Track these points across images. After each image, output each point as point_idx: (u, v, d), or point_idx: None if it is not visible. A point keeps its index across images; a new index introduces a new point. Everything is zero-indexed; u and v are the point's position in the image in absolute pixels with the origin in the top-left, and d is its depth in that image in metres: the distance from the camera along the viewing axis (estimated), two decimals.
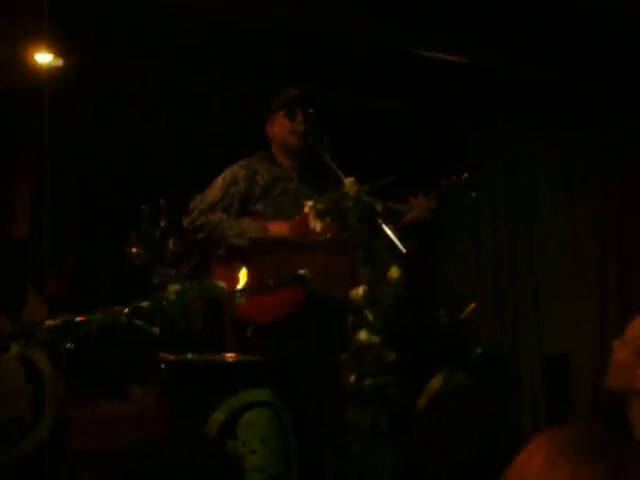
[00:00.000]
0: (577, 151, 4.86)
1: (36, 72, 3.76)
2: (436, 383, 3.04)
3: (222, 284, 2.25)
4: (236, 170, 3.02)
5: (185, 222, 2.96)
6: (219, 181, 3.00)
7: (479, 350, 3.86)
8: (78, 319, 2.12)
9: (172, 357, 2.45)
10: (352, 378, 2.35)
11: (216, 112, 4.36)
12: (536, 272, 4.92)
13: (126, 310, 2.14)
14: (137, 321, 2.16)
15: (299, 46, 3.86)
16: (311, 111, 3.01)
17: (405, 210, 2.81)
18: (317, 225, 2.48)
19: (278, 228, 2.91)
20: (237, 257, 2.82)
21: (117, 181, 4.55)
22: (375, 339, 2.34)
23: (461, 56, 4.12)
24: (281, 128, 3.04)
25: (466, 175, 3.14)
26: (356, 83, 4.29)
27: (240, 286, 2.17)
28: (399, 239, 2.37)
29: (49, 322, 2.11)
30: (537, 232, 4.96)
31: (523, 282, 4.97)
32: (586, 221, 4.75)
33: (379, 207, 2.41)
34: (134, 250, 3.70)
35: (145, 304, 2.15)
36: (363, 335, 2.34)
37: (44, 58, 3.76)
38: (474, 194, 3.17)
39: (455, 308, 3.96)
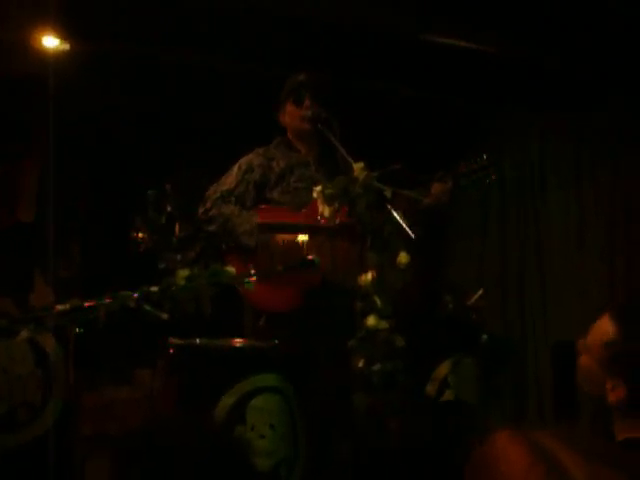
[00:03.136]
0: (585, 135, 4.82)
1: (43, 56, 3.75)
2: (444, 370, 3.05)
3: (231, 269, 2.26)
4: (252, 158, 3.01)
5: (199, 212, 2.94)
6: (235, 169, 2.98)
7: (485, 337, 3.85)
8: (87, 304, 2.12)
9: (181, 342, 2.45)
10: (361, 363, 2.35)
11: (223, 97, 4.34)
12: (542, 258, 4.91)
13: (135, 295, 2.14)
14: (146, 306, 2.16)
15: (310, 32, 3.84)
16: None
17: (420, 197, 2.79)
18: (325, 210, 2.47)
19: None
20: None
21: (123, 166, 4.54)
22: (384, 324, 2.34)
23: (468, 42, 4.10)
24: (291, 115, 3.03)
25: (485, 157, 3.08)
26: (366, 69, 4.27)
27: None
28: (409, 225, 2.36)
29: (58, 307, 2.12)
30: (544, 218, 4.94)
31: (529, 269, 4.96)
32: (594, 206, 4.73)
33: (388, 193, 2.40)
34: (140, 235, 3.70)
35: (154, 289, 2.15)
36: (372, 320, 2.34)
37: (51, 42, 3.75)
38: (494, 177, 3.09)
39: (461, 295, 3.95)
